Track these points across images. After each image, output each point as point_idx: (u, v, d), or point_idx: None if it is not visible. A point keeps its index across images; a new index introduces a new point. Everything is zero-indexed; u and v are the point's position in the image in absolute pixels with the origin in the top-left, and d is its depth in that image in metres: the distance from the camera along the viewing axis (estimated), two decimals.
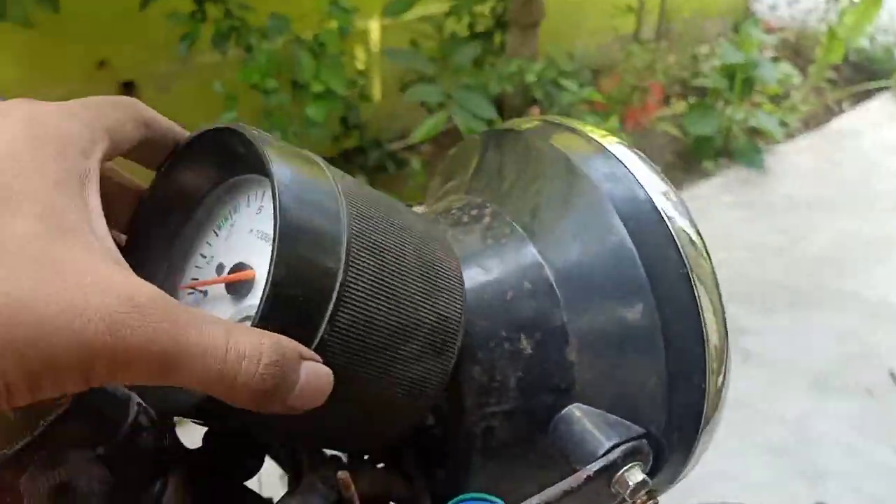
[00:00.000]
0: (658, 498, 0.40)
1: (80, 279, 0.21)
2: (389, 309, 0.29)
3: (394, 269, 0.30)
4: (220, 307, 0.31)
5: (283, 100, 1.98)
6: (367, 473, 0.36)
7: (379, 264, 0.29)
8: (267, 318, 0.26)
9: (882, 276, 2.41)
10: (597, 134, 0.42)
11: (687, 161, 2.96)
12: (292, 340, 0.25)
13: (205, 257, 0.33)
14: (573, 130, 0.42)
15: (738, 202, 2.76)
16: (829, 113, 3.43)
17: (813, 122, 3.35)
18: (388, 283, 0.29)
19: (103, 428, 0.29)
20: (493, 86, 2.28)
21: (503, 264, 0.38)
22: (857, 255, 2.51)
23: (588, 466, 0.34)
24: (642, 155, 0.42)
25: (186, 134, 0.32)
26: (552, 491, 0.33)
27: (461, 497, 0.35)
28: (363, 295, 0.28)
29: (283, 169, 0.27)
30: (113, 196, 0.29)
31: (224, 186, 0.33)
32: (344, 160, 2.50)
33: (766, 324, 2.18)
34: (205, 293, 0.32)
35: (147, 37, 2.00)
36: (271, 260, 0.26)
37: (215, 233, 0.33)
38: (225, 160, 0.31)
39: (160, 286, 0.24)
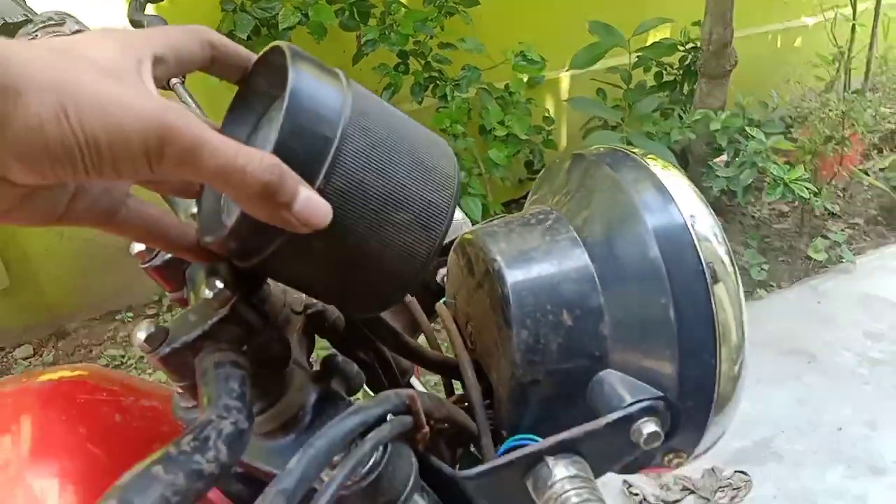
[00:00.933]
0: (685, 458, 0.48)
1: (140, 92, 0.32)
2: (379, 182, 0.37)
3: (387, 153, 0.38)
4: None
5: (469, 143, 2.16)
6: (433, 398, 0.47)
7: (370, 144, 0.37)
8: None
9: None
10: (654, 162, 0.51)
11: (892, 216, 2.77)
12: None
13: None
14: (629, 156, 0.52)
15: None
16: None
17: None
18: (380, 161, 0.37)
19: (248, 333, 0.39)
20: (675, 133, 2.32)
21: (555, 256, 0.49)
22: None
23: (609, 415, 0.44)
24: (693, 186, 0.50)
25: (253, 55, 0.41)
26: (576, 430, 0.43)
27: (512, 439, 0.46)
28: (355, 164, 0.36)
29: (300, 64, 0.37)
30: None
31: (279, 100, 0.40)
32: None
33: None
34: None
35: None
36: (282, 121, 0.34)
37: (268, 130, 0.41)
38: (279, 77, 0.39)
39: None
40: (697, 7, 2.44)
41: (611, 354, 0.47)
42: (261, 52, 0.40)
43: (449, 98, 2.16)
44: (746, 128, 2.30)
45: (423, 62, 2.21)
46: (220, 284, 0.39)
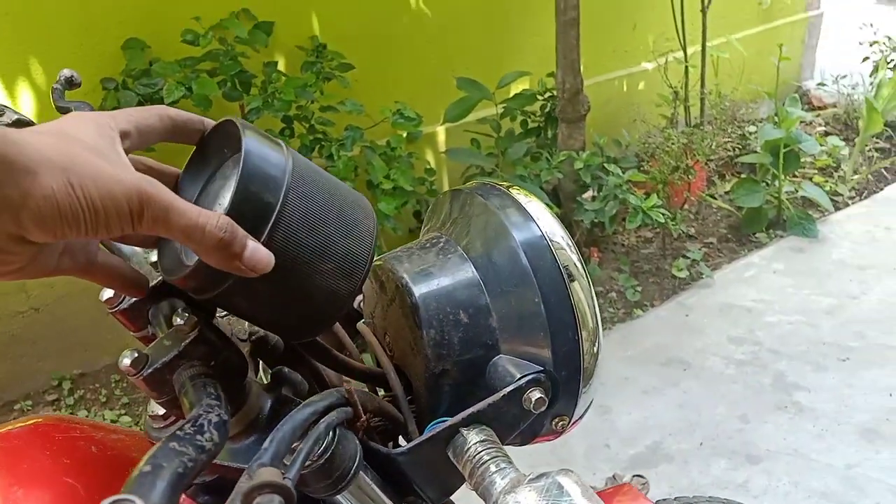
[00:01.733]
0: (567, 421, 0.60)
1: (121, 166, 0.40)
2: (311, 237, 0.46)
3: (318, 213, 0.47)
4: None
5: None
6: (366, 394, 0.57)
7: (306, 206, 0.46)
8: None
9: None
10: (516, 191, 0.64)
11: (740, 233, 3.10)
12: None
13: (219, 204, 0.48)
14: (496, 188, 0.65)
15: (791, 269, 2.86)
16: (881, 181, 3.50)
17: (866, 190, 3.43)
18: (313, 220, 0.46)
19: (213, 351, 0.48)
20: (545, 174, 2.52)
21: (448, 269, 0.61)
22: None
23: (504, 389, 0.55)
24: (546, 208, 0.63)
25: (208, 120, 0.50)
26: (481, 404, 0.54)
27: (434, 422, 0.56)
28: (292, 223, 0.45)
29: (252, 138, 0.45)
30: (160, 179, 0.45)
31: (231, 160, 0.49)
32: None
33: (817, 380, 2.26)
34: None
35: None
36: (235, 188, 0.43)
37: (219, 188, 0.49)
38: (230, 142, 0.48)
39: None
40: (550, 59, 2.68)
41: (500, 343, 0.59)
42: (217, 122, 0.50)
43: (335, 157, 2.26)
44: (605, 164, 2.53)
45: (307, 125, 2.30)
46: (187, 314, 0.48)
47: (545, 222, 0.60)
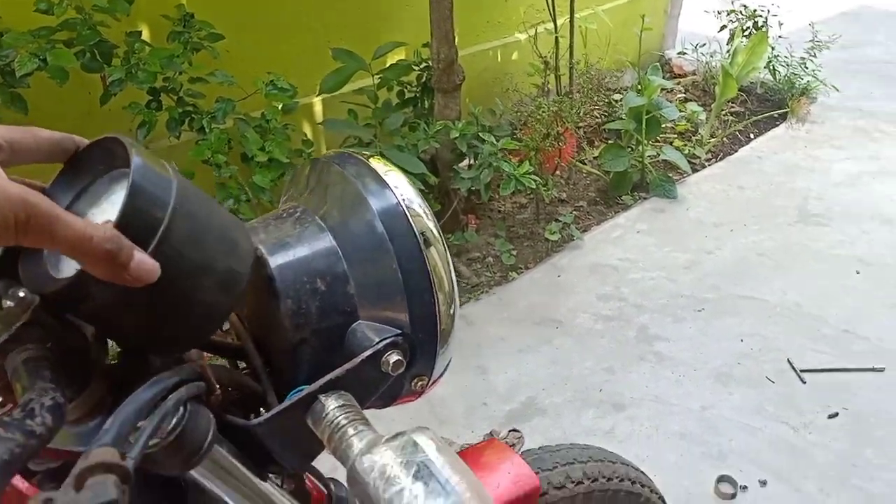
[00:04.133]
0: (426, 381, 0.61)
1: (5, 180, 0.38)
2: (194, 253, 0.46)
3: (202, 231, 0.47)
4: None
5: (233, 171, 2.19)
6: (222, 368, 0.55)
7: (191, 225, 0.46)
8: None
9: (779, 282, 2.63)
10: (375, 161, 0.63)
11: (607, 196, 3.20)
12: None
13: (94, 212, 0.48)
14: (354, 157, 0.64)
15: (653, 228, 2.99)
16: (736, 143, 3.70)
17: (721, 152, 3.62)
18: (196, 237, 0.46)
19: (48, 332, 0.45)
20: (422, 144, 2.51)
21: (305, 239, 0.59)
22: (757, 265, 2.75)
23: (362, 353, 0.54)
24: (405, 177, 0.62)
25: (85, 141, 0.49)
26: (338, 370, 0.54)
27: (293, 391, 0.55)
28: (178, 239, 0.45)
29: (139, 155, 0.45)
30: None
31: (107, 176, 0.49)
32: None
33: (675, 330, 2.39)
34: None
35: (109, 128, 2.21)
36: (125, 202, 0.43)
37: (107, 198, 0.48)
38: (109, 159, 0.48)
39: None
40: (425, 30, 2.66)
41: (359, 309, 0.58)
42: (95, 139, 0.48)
43: (207, 130, 2.17)
44: (480, 133, 2.55)
45: (175, 98, 2.19)
46: (21, 293, 0.45)
47: (402, 191, 0.59)
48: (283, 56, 2.67)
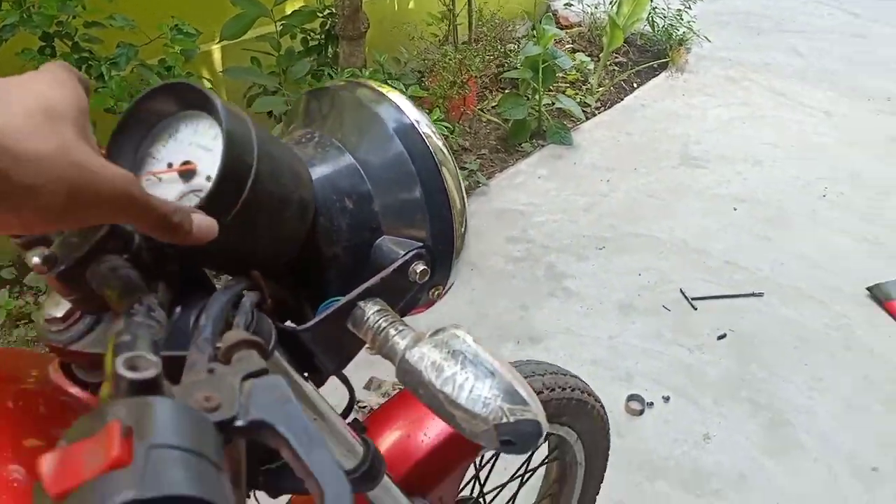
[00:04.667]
0: (442, 290, 0.65)
1: (102, 160, 0.39)
2: (277, 188, 0.51)
3: (278, 169, 0.52)
4: (172, 188, 0.51)
5: None
6: (269, 283, 0.58)
7: (271, 165, 0.51)
8: (220, 183, 0.47)
9: (667, 220, 2.82)
10: (384, 88, 0.66)
11: (508, 143, 3.29)
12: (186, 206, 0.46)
13: (155, 158, 0.52)
14: (366, 84, 0.67)
15: (552, 174, 3.12)
16: (621, 91, 3.88)
17: (609, 100, 3.78)
18: (275, 175, 0.51)
19: (126, 244, 0.47)
20: None
21: (329, 161, 0.62)
22: (647, 205, 2.93)
23: (393, 264, 0.58)
24: (411, 101, 0.66)
25: None
26: (373, 280, 0.57)
27: (326, 302, 0.57)
28: (264, 178, 0.50)
29: (222, 104, 0.48)
30: None
31: (170, 118, 0.52)
32: None
33: (580, 268, 2.53)
34: (160, 179, 0.52)
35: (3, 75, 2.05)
36: (223, 153, 0.47)
37: (163, 145, 0.52)
38: (173, 102, 0.51)
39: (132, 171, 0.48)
40: None
41: (383, 225, 0.62)
42: (164, 83, 0.51)
43: (106, 77, 2.05)
44: (389, 81, 2.54)
45: (70, 43, 2.06)
46: (46, 252, 0.46)
47: (415, 114, 0.62)
48: (180, 1, 2.54)
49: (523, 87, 3.38)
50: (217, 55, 2.76)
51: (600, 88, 3.76)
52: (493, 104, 3.49)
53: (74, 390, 0.54)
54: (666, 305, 2.37)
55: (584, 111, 3.55)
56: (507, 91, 3.43)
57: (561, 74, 3.65)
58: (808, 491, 1.79)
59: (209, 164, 0.50)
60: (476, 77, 2.84)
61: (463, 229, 0.64)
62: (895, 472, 1.86)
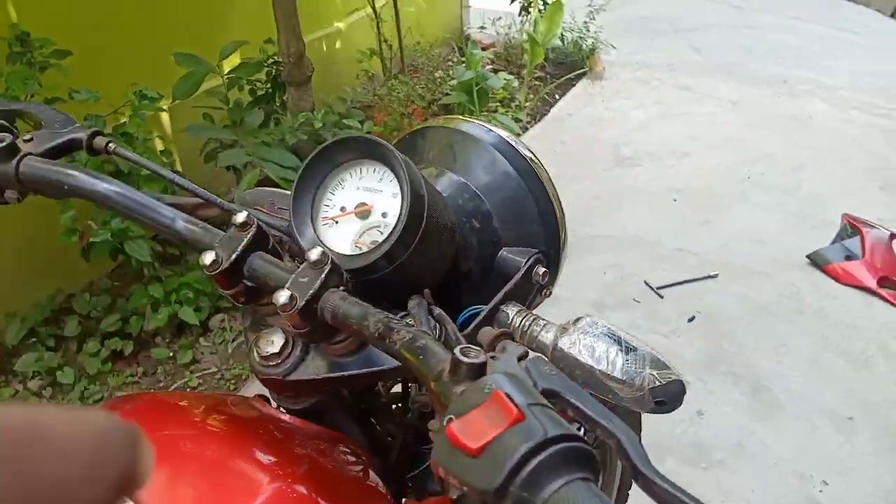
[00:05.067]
0: (551, 290, 0.73)
1: None
2: (438, 218, 0.60)
3: (435, 200, 0.60)
4: (350, 227, 0.61)
5: None
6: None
7: (433, 198, 0.59)
8: (409, 217, 0.56)
9: (617, 218, 2.98)
10: (484, 122, 0.76)
11: None
12: None
13: (327, 206, 0.62)
14: (466, 120, 0.76)
15: None
16: (547, 104, 4.05)
17: (538, 114, 3.95)
18: (436, 206, 0.60)
19: (340, 277, 0.55)
20: (290, 137, 2.52)
21: (453, 189, 0.70)
22: (596, 207, 3.08)
23: (520, 271, 0.66)
24: (505, 128, 0.75)
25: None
26: (508, 286, 0.65)
27: (469, 310, 0.65)
28: (431, 211, 0.58)
29: (400, 155, 0.57)
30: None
31: (336, 169, 0.62)
32: (156, 236, 2.59)
33: None
34: (336, 222, 0.62)
35: None
36: (403, 200, 0.56)
37: (332, 193, 0.62)
38: (341, 154, 0.61)
39: (311, 220, 0.59)
40: (263, 27, 2.65)
41: (502, 239, 0.70)
42: (344, 136, 0.61)
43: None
44: (344, 120, 2.60)
45: (31, 123, 2.03)
46: (320, 249, 0.55)
47: (513, 140, 0.71)
48: (129, 67, 2.53)
49: (459, 109, 3.50)
50: (165, 115, 2.75)
51: (527, 104, 3.92)
52: None
53: (286, 417, 0.64)
54: (636, 298, 2.51)
55: (518, 126, 3.69)
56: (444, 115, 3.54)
57: (491, 94, 3.79)
58: (798, 446, 1.95)
59: (381, 202, 0.61)
60: (422, 106, 2.93)
61: (564, 234, 0.73)
62: (868, 419, 2.04)
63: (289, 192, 0.66)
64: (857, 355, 2.28)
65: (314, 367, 0.60)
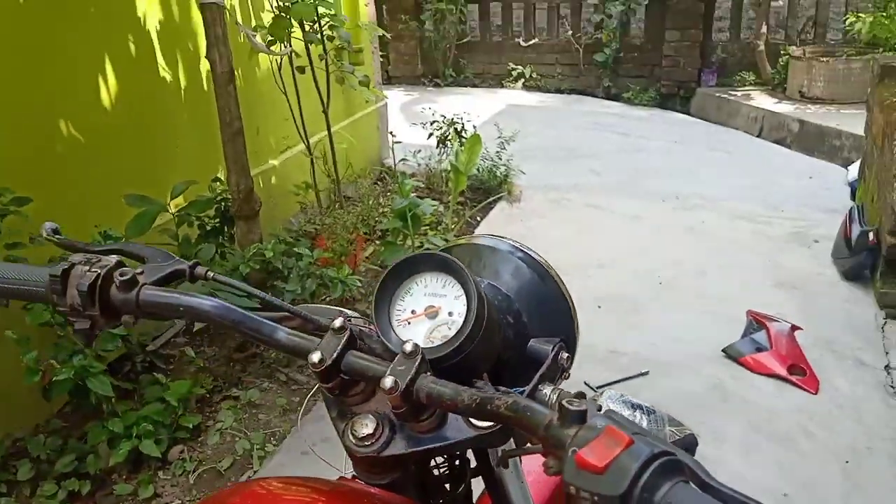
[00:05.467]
0: (568, 374, 0.85)
1: None
2: (492, 316, 0.72)
3: (491, 307, 0.73)
4: (421, 326, 0.73)
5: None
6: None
7: (488, 304, 0.72)
8: (476, 319, 0.68)
9: None
10: (503, 238, 0.89)
11: None
12: None
13: (400, 310, 0.73)
14: (492, 236, 0.89)
15: None
16: (471, 226, 4.30)
17: (464, 234, 4.18)
18: (489, 307, 0.72)
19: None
20: (243, 268, 2.61)
21: (489, 291, 0.82)
22: None
23: (549, 356, 0.78)
24: (517, 242, 0.89)
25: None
26: (542, 368, 0.77)
27: (516, 389, 0.76)
28: (490, 314, 0.70)
29: (464, 268, 0.70)
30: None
31: (407, 280, 0.74)
32: (112, 371, 2.55)
33: None
34: (409, 322, 0.73)
35: None
36: (469, 301, 0.68)
37: (402, 300, 0.74)
38: (408, 269, 0.74)
39: (388, 321, 0.71)
40: (206, 165, 2.77)
41: (530, 331, 0.82)
42: (419, 252, 0.74)
43: None
44: (297, 249, 2.72)
45: None
46: (413, 342, 0.67)
47: (528, 249, 0.85)
48: (86, 207, 2.58)
49: (395, 234, 3.67)
50: None
51: (454, 226, 4.16)
52: (367, 254, 3.74)
53: (376, 490, 0.74)
54: None
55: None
56: (381, 241, 3.70)
57: (422, 219, 4.01)
58: None
59: (446, 304, 0.74)
60: (364, 232, 3.09)
61: (577, 323, 0.87)
62: (801, 494, 2.21)
63: (326, 307, 0.79)
64: (782, 437, 2.47)
65: (402, 444, 0.71)
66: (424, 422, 0.70)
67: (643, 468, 0.48)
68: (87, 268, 0.74)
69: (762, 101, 7.07)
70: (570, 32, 8.52)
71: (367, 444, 0.70)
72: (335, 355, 0.68)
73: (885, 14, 5.69)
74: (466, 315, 0.71)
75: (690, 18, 7.91)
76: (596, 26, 8.45)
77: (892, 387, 2.76)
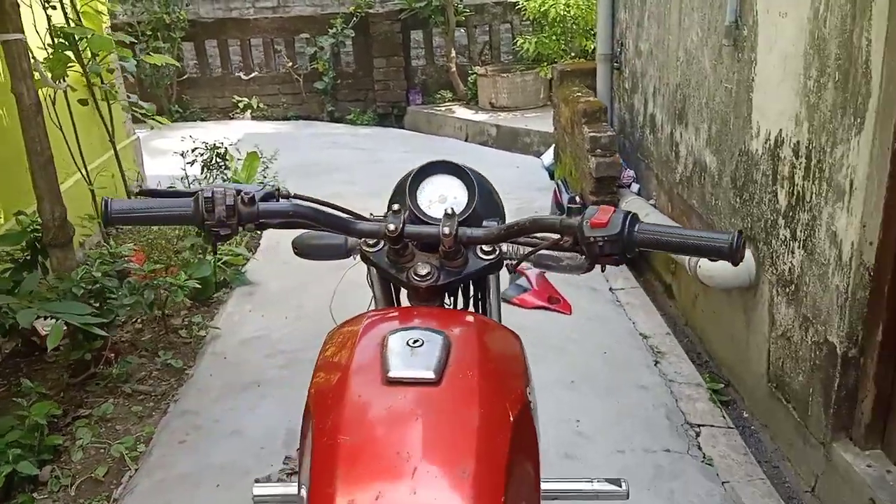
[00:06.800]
0: None
1: None
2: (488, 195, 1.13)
3: (484, 187, 1.13)
4: (438, 208, 1.10)
5: None
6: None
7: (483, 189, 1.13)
8: (470, 198, 1.09)
9: None
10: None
11: (202, 298, 3.58)
12: None
13: (418, 199, 1.10)
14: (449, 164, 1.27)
15: (256, 306, 3.53)
16: (255, 238, 4.45)
17: (254, 246, 4.32)
18: (483, 192, 1.13)
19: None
20: (76, 290, 2.56)
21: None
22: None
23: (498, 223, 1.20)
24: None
25: None
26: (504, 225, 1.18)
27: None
28: (480, 195, 1.11)
29: (468, 168, 1.10)
30: None
31: (423, 181, 1.10)
32: None
33: None
34: (430, 204, 1.11)
35: None
36: (469, 192, 1.11)
37: (420, 192, 1.11)
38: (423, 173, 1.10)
39: (410, 210, 1.09)
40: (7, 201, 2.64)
41: (482, 214, 1.23)
42: (431, 161, 1.07)
43: None
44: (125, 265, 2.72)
45: None
46: (451, 207, 1.05)
47: (483, 177, 1.25)
48: None
49: (194, 251, 3.72)
50: None
51: (247, 235, 4.28)
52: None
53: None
54: None
55: (244, 256, 4.04)
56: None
57: None
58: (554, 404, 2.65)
59: (452, 193, 1.11)
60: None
61: (503, 210, 1.29)
62: (583, 380, 2.85)
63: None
64: (557, 347, 3.11)
65: (445, 276, 1.07)
66: (458, 260, 1.06)
67: (625, 218, 0.91)
68: (223, 193, 0.97)
69: (462, 113, 8.14)
70: (289, 64, 8.85)
71: (427, 279, 1.04)
72: (402, 225, 1.02)
73: (546, 36, 6.94)
74: (469, 197, 1.09)
75: (391, 47, 8.74)
76: (311, 58, 8.89)
77: (617, 301, 3.59)
